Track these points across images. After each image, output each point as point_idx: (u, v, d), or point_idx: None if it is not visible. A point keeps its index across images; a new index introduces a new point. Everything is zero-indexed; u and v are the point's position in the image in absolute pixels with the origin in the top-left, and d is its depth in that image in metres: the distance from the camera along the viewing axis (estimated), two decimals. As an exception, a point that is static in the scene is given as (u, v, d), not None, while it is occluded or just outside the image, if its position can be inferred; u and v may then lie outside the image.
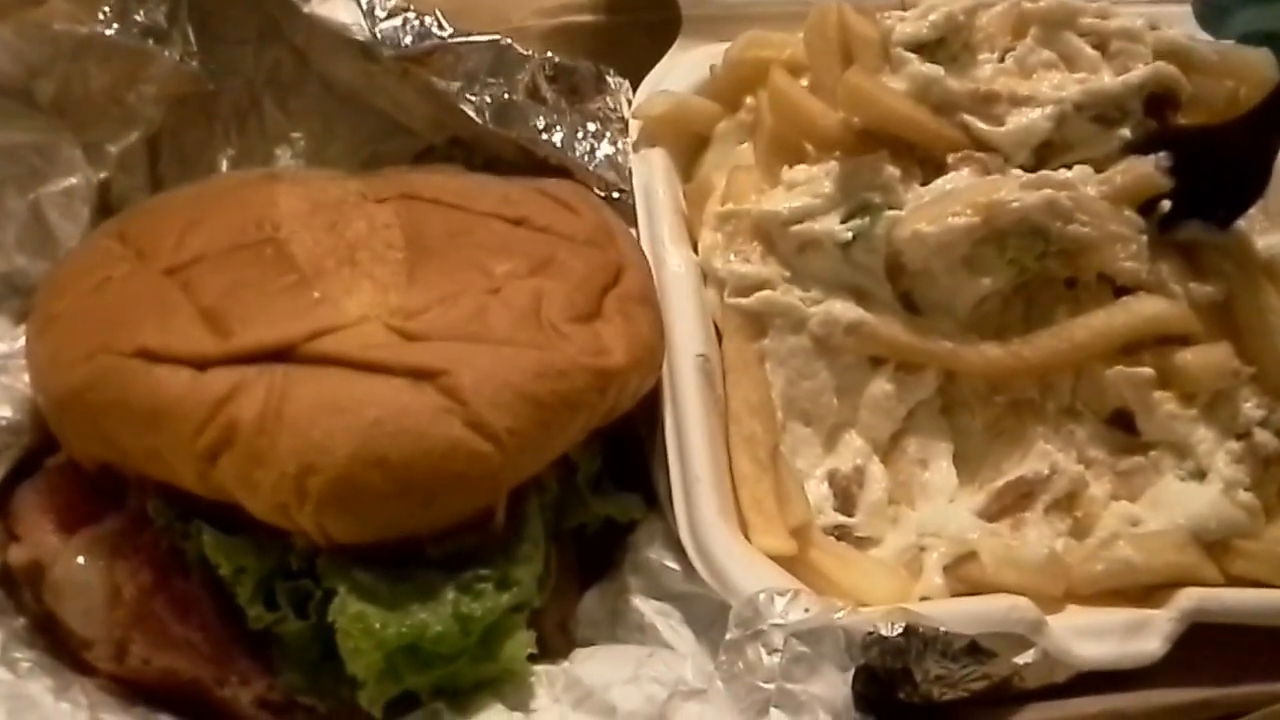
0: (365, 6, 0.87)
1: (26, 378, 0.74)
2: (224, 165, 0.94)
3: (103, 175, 0.85)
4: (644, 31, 0.94)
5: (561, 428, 0.67)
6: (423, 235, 0.74)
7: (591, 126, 0.89)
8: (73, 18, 0.87)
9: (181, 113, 0.91)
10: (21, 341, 0.78)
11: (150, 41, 0.86)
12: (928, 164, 0.82)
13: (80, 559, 0.68)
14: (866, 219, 0.79)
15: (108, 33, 0.84)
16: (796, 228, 0.81)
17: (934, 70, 0.81)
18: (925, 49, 0.82)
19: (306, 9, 0.87)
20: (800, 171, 0.83)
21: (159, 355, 0.65)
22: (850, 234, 0.79)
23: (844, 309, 0.79)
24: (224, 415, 0.63)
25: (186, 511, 0.67)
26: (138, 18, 0.86)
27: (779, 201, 0.82)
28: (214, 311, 0.67)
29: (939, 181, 0.81)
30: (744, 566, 0.70)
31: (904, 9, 0.86)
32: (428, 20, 0.87)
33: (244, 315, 0.67)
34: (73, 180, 0.84)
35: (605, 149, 0.88)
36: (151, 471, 0.67)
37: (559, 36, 0.95)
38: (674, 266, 0.82)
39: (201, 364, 0.65)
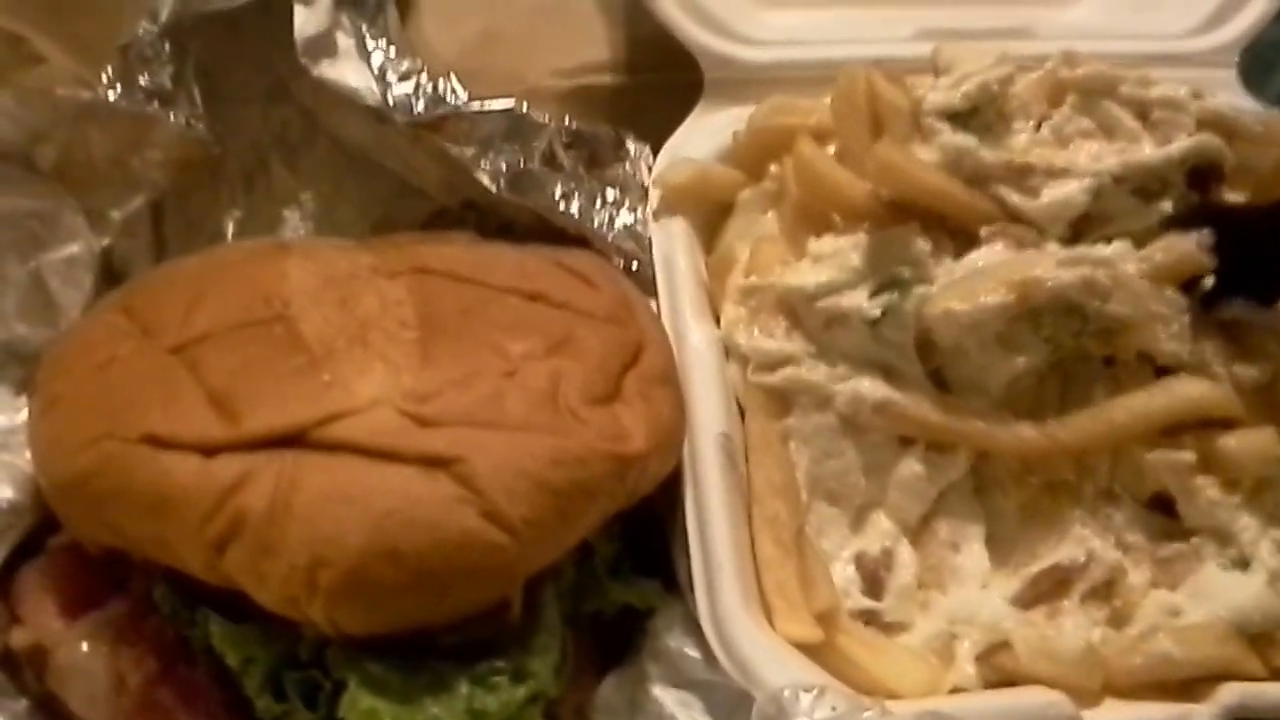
0: (376, 71, 0.90)
1: (28, 454, 0.77)
2: (230, 228, 0.98)
3: (105, 242, 0.88)
4: (664, 93, 0.97)
5: (579, 516, 0.70)
6: (436, 313, 0.77)
7: (610, 194, 0.92)
8: (76, 79, 0.91)
9: (186, 175, 0.94)
10: (23, 414, 0.81)
11: (155, 104, 0.89)
12: (960, 236, 0.85)
13: (84, 645, 0.71)
14: (895, 294, 0.82)
15: (111, 96, 0.87)
16: (823, 303, 0.83)
17: (967, 141, 0.84)
18: (958, 118, 0.85)
19: (315, 72, 0.90)
20: (827, 243, 0.86)
21: (165, 441, 0.68)
22: (879, 310, 0.81)
23: (872, 387, 0.82)
24: (232, 505, 0.66)
25: (193, 598, 0.69)
26: (142, 81, 0.89)
27: (805, 275, 0.84)
28: (222, 394, 0.70)
29: (972, 256, 0.83)
30: (768, 657, 0.73)
31: (935, 75, 0.89)
32: (441, 85, 0.90)
33: (253, 398, 0.69)
34: (75, 248, 0.87)
35: (624, 218, 0.91)
36: (157, 557, 0.69)
37: (576, 98, 0.98)
38: (695, 342, 0.85)
39: (209, 450, 0.68)
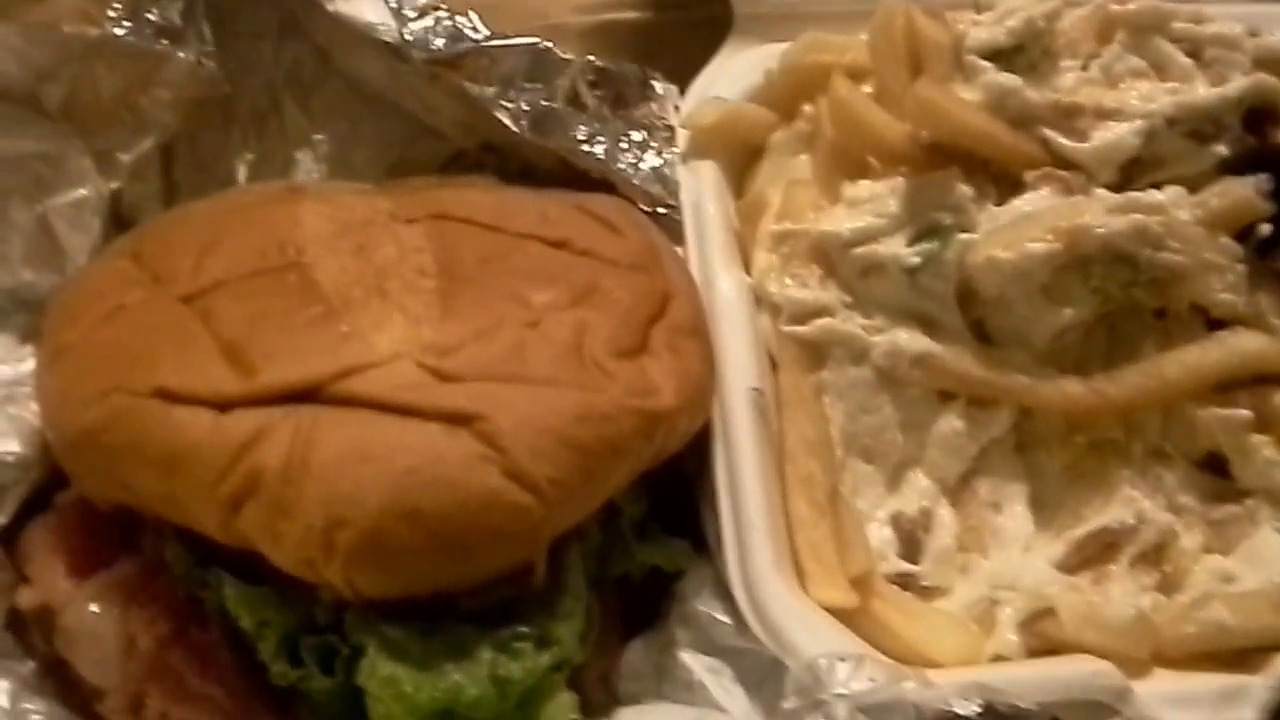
0: (393, 5, 0.88)
1: (35, 406, 0.76)
2: (242, 171, 0.95)
3: (114, 185, 0.86)
4: (691, 30, 0.95)
5: (606, 475, 0.68)
6: (456, 261, 0.75)
7: (636, 136, 0.89)
8: (84, 15, 0.88)
9: (197, 115, 0.92)
10: (28, 363, 0.79)
11: (164, 42, 0.86)
12: (1002, 181, 0.82)
13: (93, 606, 0.70)
14: (936, 243, 0.79)
15: (119, 33, 0.85)
16: (859, 250, 0.81)
17: (1011, 80, 0.81)
18: (1001, 56, 0.82)
19: (330, 7, 0.88)
20: (863, 188, 0.83)
21: (178, 395, 0.66)
22: (918, 258, 0.79)
23: (910, 339, 0.80)
24: (247, 462, 0.64)
25: (206, 558, 0.68)
26: (151, 16, 0.87)
27: (840, 221, 0.82)
28: (235, 346, 0.68)
29: (1016, 202, 0.81)
30: (802, 623, 0.71)
31: (977, 10, 0.86)
32: (461, 21, 0.88)
33: (268, 351, 0.68)
34: (82, 191, 0.85)
35: (651, 160, 0.88)
36: (169, 516, 0.68)
37: (599, 35, 0.96)
38: (725, 291, 0.83)
39: (223, 405, 0.66)
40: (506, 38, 0.87)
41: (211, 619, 0.68)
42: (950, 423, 0.80)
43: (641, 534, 0.75)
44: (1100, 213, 0.77)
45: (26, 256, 0.82)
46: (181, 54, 0.87)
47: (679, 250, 0.86)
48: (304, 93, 0.96)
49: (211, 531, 0.66)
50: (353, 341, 0.69)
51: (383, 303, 0.71)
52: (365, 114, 0.96)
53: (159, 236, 0.79)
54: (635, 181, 0.88)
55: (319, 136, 0.97)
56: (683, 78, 0.92)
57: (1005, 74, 0.81)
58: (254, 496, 0.64)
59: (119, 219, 0.89)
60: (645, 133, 0.90)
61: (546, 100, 0.87)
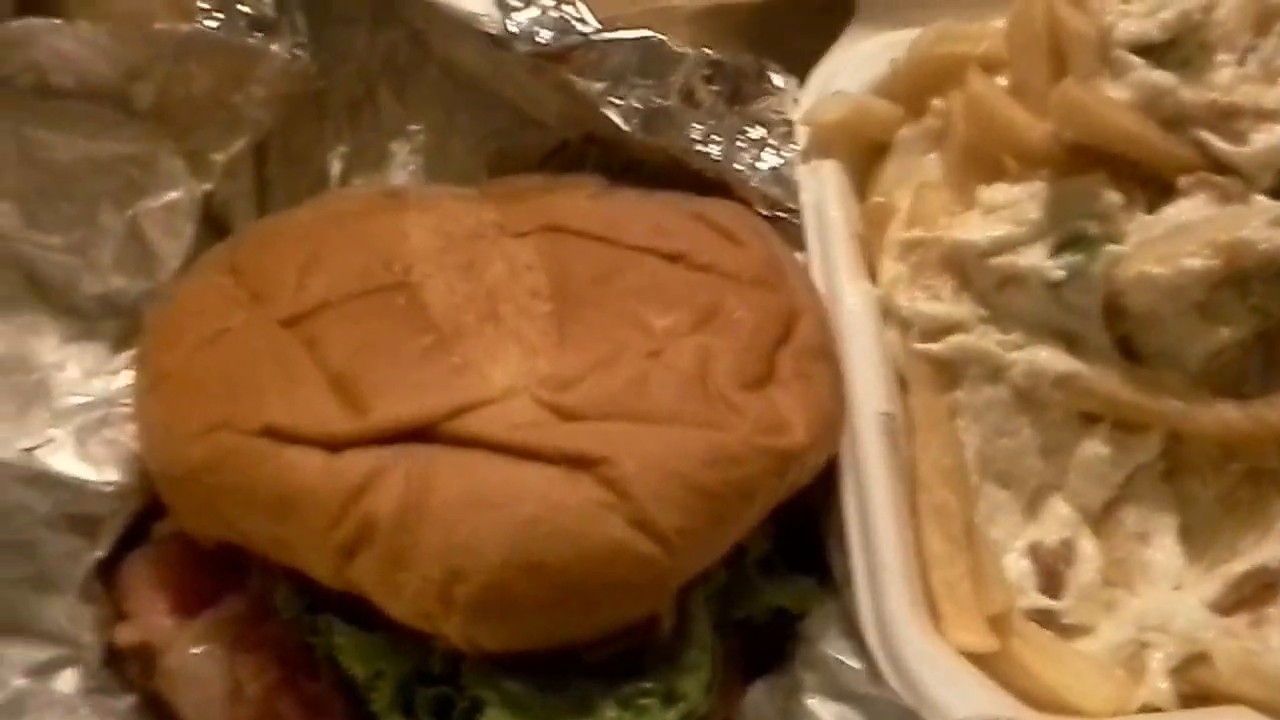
0: None
1: (131, 429, 0.75)
2: (335, 165, 0.93)
3: (207, 187, 0.84)
4: (809, 13, 0.91)
5: (735, 520, 0.66)
6: (570, 279, 0.73)
7: (753, 133, 0.86)
8: (172, 5, 0.86)
9: (289, 107, 0.89)
10: (123, 376, 0.78)
11: (257, 35, 0.84)
12: (1152, 185, 0.78)
13: (198, 648, 0.69)
14: (1081, 255, 0.76)
15: (211, 26, 0.82)
16: (996, 260, 0.78)
17: (1165, 79, 0.77)
18: (1153, 51, 0.78)
19: None
20: (1000, 192, 0.80)
21: (287, 434, 0.65)
22: (1062, 272, 0.76)
23: (1052, 357, 0.76)
24: (361, 508, 0.63)
25: (316, 602, 0.67)
26: (243, 8, 0.84)
27: (975, 229, 0.79)
28: (345, 379, 0.66)
29: (1169, 210, 0.77)
30: (940, 673, 0.69)
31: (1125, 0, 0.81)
32: (568, 10, 0.84)
33: (378, 385, 0.66)
34: (174, 194, 0.83)
35: (769, 160, 0.85)
36: (278, 558, 0.67)
37: (711, 18, 0.92)
38: (852, 305, 0.80)
39: (334, 445, 0.65)
40: (617, 30, 0.84)
41: (321, 666, 0.67)
42: (1094, 447, 0.77)
43: (766, 571, 0.73)
44: (1262, 225, 0.73)
45: (117, 262, 0.81)
46: (276, 49, 0.84)
47: (800, 257, 0.83)
48: (399, 81, 0.94)
49: (323, 578, 0.65)
50: (467, 375, 0.67)
51: (496, 329, 0.69)
52: (463, 103, 0.94)
53: (258, 249, 0.77)
54: (753, 183, 0.84)
55: (415, 127, 0.94)
56: (800, 66, 0.89)
57: (1158, 71, 0.77)
58: (368, 545, 0.63)
59: (211, 219, 0.87)
60: (763, 129, 0.86)
61: (659, 97, 0.84)
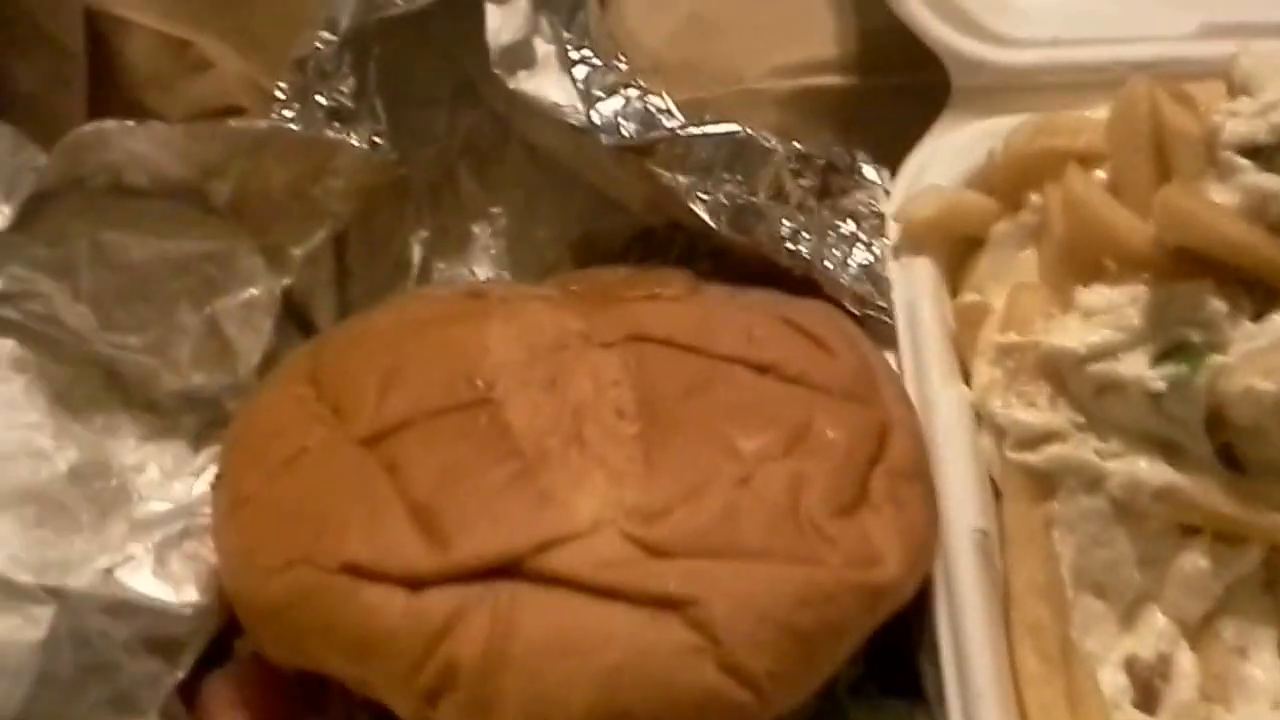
0: (580, 84, 0.84)
1: (211, 542, 0.75)
2: (416, 251, 0.93)
3: (286, 282, 0.84)
4: (900, 98, 0.89)
5: (827, 660, 0.66)
6: (657, 396, 0.72)
7: (844, 228, 0.85)
8: (248, 84, 0.87)
9: (370, 195, 0.90)
10: (204, 478, 0.79)
11: (335, 124, 0.84)
12: (1258, 291, 0.76)
13: (279, 771, 0.69)
14: (1185, 365, 0.74)
15: (288, 116, 0.82)
16: (1095, 367, 0.76)
17: (1273, 182, 0.75)
18: (1260, 153, 0.76)
19: (512, 84, 0.85)
20: (1099, 295, 0.78)
21: (368, 572, 0.65)
22: (1164, 383, 0.74)
23: (1151, 470, 0.75)
24: (444, 652, 0.63)
25: (405, 734, 0.66)
26: (321, 99, 0.84)
27: (1073, 334, 0.77)
28: (427, 511, 0.66)
29: (1276, 318, 0.75)
30: (1038, 810, 0.68)
31: (1231, 92, 0.79)
32: (653, 103, 0.84)
33: (461, 518, 0.66)
34: (253, 290, 0.83)
35: (859, 256, 0.84)
36: (360, 692, 0.67)
37: (799, 103, 0.91)
38: (946, 413, 0.78)
39: (415, 583, 0.64)
40: (703, 124, 0.83)
41: (406, 798, 0.67)
42: (1194, 560, 0.75)
43: (857, 695, 0.72)
44: (1375, 338, 0.71)
45: (195, 359, 0.81)
46: (354, 140, 0.84)
47: (890, 358, 0.82)
48: (480, 163, 0.94)
49: (406, 717, 0.65)
50: (551, 506, 0.66)
51: (581, 455, 0.69)
52: (545, 186, 0.94)
53: (338, 359, 0.77)
54: (843, 281, 0.83)
55: (496, 210, 0.94)
56: (890, 153, 0.87)
57: (1266, 174, 0.75)
58: (451, 691, 0.63)
59: (291, 308, 0.88)
60: (853, 223, 0.85)
61: (747, 193, 0.83)
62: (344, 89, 0.85)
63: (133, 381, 0.81)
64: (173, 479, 0.79)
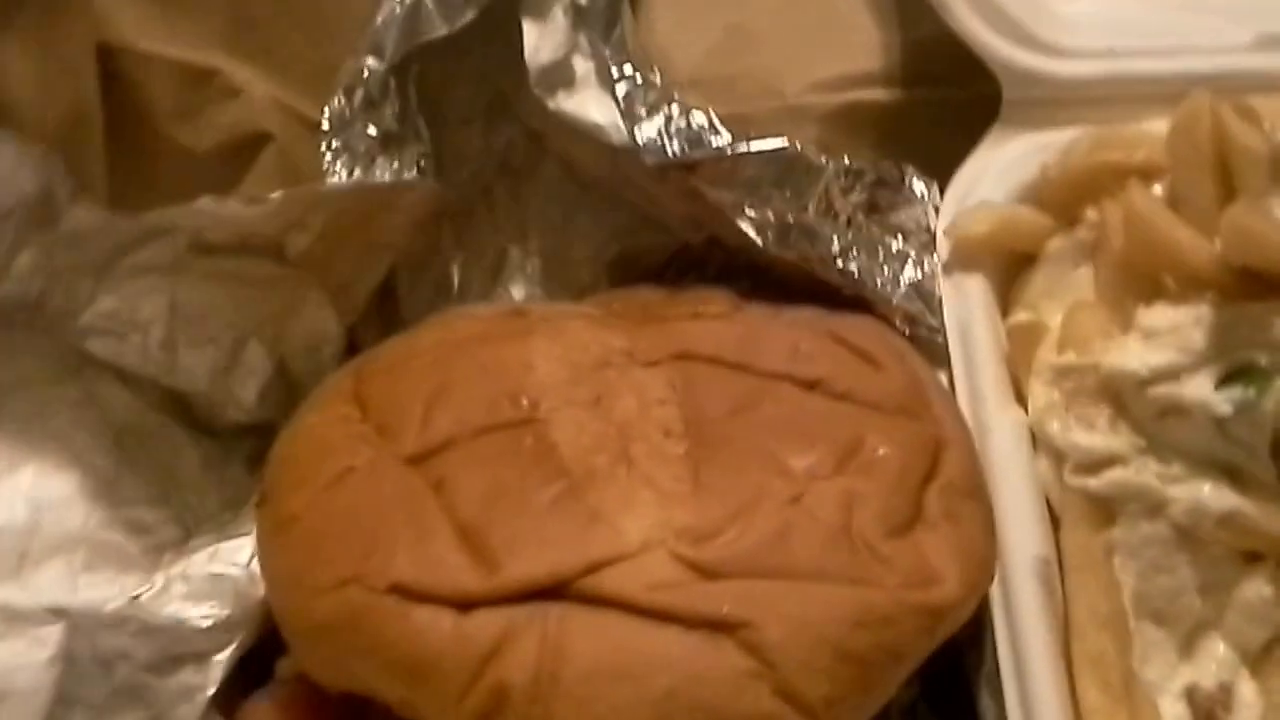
0: (622, 103, 0.83)
1: (240, 555, 0.75)
2: (455, 270, 0.93)
3: (351, 320, 0.85)
4: (947, 112, 0.89)
5: (884, 684, 0.64)
6: (704, 415, 0.71)
7: (893, 245, 0.84)
8: (278, 106, 0.86)
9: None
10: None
11: (382, 153, 0.83)
12: (1325, 308, 0.75)
13: (320, 796, 0.68)
14: (1251, 389, 0.73)
15: (336, 144, 0.82)
16: (1157, 390, 0.75)
17: (1341, 199, 0.74)
18: (1329, 170, 0.75)
19: (552, 105, 0.84)
20: (1160, 315, 0.77)
21: (416, 593, 0.64)
22: (1229, 407, 0.73)
23: (1215, 494, 0.74)
24: (492, 675, 0.62)
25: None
26: (370, 129, 0.84)
27: (1134, 355, 0.76)
28: (474, 531, 0.66)
29: (1345, 340, 0.74)
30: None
31: (1298, 109, 0.79)
32: (697, 120, 0.83)
33: (509, 538, 0.65)
34: (321, 332, 0.84)
35: (910, 274, 0.83)
36: (406, 715, 0.66)
37: (843, 118, 0.90)
38: (1002, 437, 0.78)
39: (464, 604, 0.64)
40: (750, 140, 0.82)
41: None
42: (1257, 587, 0.74)
43: (909, 716, 0.71)
44: None
45: (262, 397, 0.82)
46: (419, 183, 0.84)
47: (942, 376, 0.81)
48: (515, 181, 0.94)
49: (455, 744, 0.64)
50: (600, 526, 0.65)
51: (628, 474, 0.68)
52: (581, 202, 0.93)
53: (382, 378, 0.76)
54: (893, 299, 0.82)
55: (532, 229, 0.94)
56: (938, 167, 0.86)
57: (1334, 191, 0.74)
58: (500, 715, 0.62)
59: (354, 349, 0.88)
60: (902, 239, 0.84)
61: (796, 210, 0.82)
62: (389, 114, 0.85)
63: (198, 411, 0.82)
64: (228, 507, 0.80)
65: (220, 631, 0.73)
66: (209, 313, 0.79)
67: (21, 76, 0.82)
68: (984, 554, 0.70)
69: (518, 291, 0.93)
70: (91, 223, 0.74)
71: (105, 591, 0.72)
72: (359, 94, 0.82)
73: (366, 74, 0.82)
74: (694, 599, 0.63)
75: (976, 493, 0.72)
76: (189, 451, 0.80)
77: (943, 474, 0.71)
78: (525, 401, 0.71)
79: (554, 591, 0.64)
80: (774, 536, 0.65)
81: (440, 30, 0.83)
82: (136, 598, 0.73)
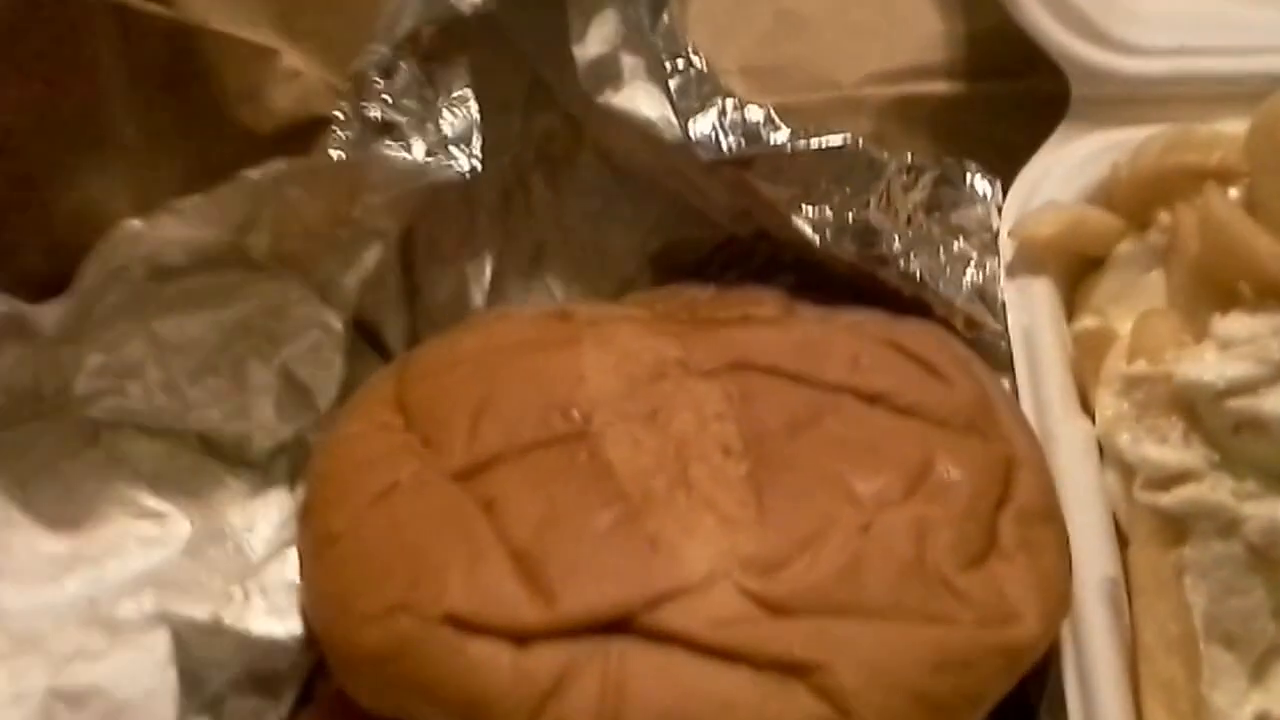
0: (674, 97, 0.81)
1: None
2: (487, 263, 0.91)
3: (346, 315, 0.82)
4: (1011, 107, 0.87)
5: (962, 728, 0.63)
6: (764, 431, 0.70)
7: (954, 245, 0.82)
8: (330, 90, 0.83)
9: (436, 205, 0.87)
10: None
11: (389, 140, 0.80)
12: None
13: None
14: (1332, 401, 0.72)
15: (348, 135, 0.79)
16: (1234, 402, 0.74)
17: None
18: None
19: (601, 100, 0.82)
20: (1238, 324, 0.76)
21: (470, 624, 0.63)
22: (1311, 423, 0.72)
23: (1291, 513, 0.72)
24: (552, 713, 0.61)
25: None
26: (375, 114, 0.81)
27: (1211, 366, 0.75)
28: (529, 557, 0.64)
29: None
30: None
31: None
32: (753, 115, 0.80)
33: (566, 567, 0.64)
34: (316, 331, 0.81)
35: (971, 275, 0.82)
36: (457, 750, 0.65)
37: (901, 111, 0.88)
38: (1068, 449, 0.76)
39: (521, 637, 0.62)
40: (809, 136, 0.80)
41: None
42: (1333, 613, 0.73)
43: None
44: None
45: (279, 412, 0.80)
46: (381, 150, 0.79)
47: (1005, 383, 0.80)
48: (553, 170, 0.91)
49: (509, 782, 0.63)
50: (661, 555, 0.64)
51: (688, 498, 0.67)
52: (621, 192, 0.91)
53: (426, 384, 0.75)
54: (955, 301, 0.81)
55: (571, 220, 0.92)
56: (997, 165, 0.84)
57: None
58: (561, 756, 0.61)
59: (362, 327, 0.86)
60: (963, 240, 0.83)
61: (856, 208, 0.80)
62: (408, 102, 0.82)
63: (227, 447, 0.81)
64: (280, 529, 0.79)
65: (302, 651, 0.73)
66: (194, 339, 0.77)
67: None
68: (1061, 584, 0.69)
69: (556, 284, 0.91)
70: (53, 313, 0.72)
71: (192, 610, 0.71)
72: (366, 81, 0.79)
73: (378, 58, 0.79)
74: (762, 638, 0.62)
75: (1051, 515, 0.71)
76: (230, 482, 0.79)
77: (1016, 497, 0.70)
78: (577, 415, 0.70)
79: (614, 625, 0.63)
80: (845, 569, 0.64)
81: (461, 10, 0.80)
82: (220, 616, 0.72)
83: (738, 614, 0.63)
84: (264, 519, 0.77)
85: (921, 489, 0.68)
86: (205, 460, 0.78)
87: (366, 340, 0.87)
